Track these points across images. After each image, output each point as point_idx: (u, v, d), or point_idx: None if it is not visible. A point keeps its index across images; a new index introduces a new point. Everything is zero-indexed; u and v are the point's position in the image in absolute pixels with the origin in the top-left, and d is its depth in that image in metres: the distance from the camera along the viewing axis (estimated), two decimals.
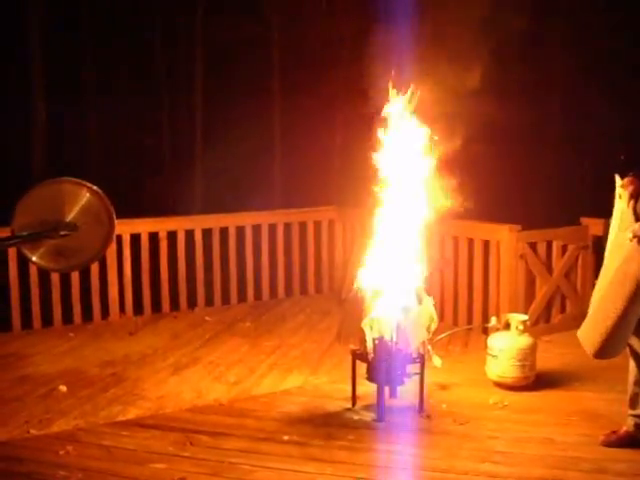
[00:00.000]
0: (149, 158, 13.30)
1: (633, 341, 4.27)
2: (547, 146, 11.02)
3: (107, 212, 3.96)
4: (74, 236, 3.76)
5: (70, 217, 3.76)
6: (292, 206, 8.87)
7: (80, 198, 3.85)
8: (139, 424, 4.89)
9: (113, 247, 7.37)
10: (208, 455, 4.43)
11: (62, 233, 3.72)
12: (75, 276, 7.22)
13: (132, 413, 5.09)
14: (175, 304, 7.93)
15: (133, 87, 13.75)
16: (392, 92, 5.09)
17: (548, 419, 4.98)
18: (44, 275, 6.99)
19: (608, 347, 4.16)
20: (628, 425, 4.49)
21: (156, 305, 7.81)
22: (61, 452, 4.43)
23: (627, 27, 11.19)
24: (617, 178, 4.31)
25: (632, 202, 4.20)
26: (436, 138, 5.09)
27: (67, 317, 7.35)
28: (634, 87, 10.27)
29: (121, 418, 5.00)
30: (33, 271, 6.89)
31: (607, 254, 4.43)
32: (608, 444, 4.49)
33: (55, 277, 7.12)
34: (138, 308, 7.73)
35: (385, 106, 5.14)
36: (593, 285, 4.51)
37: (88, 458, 4.38)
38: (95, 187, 3.93)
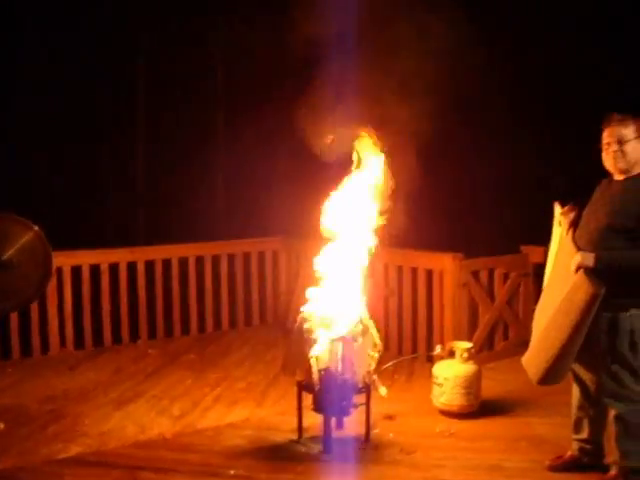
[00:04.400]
0: (91, 189, 13.09)
1: (575, 366, 4.33)
2: (486, 175, 11.19)
3: (45, 253, 3.85)
4: (8, 276, 3.64)
5: (6, 256, 3.64)
6: (236, 237, 8.82)
7: (19, 237, 3.74)
8: (81, 461, 4.77)
9: (54, 280, 7.24)
10: None
11: None
12: None
13: (73, 450, 4.96)
14: (117, 337, 7.80)
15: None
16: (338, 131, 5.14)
17: (495, 446, 5.01)
18: None
19: (552, 374, 4.23)
20: (573, 449, 4.54)
21: (98, 338, 7.67)
22: None
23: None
24: (557, 206, 4.42)
25: (571, 230, 4.30)
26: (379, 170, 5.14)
27: (5, 352, 7.16)
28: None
29: (62, 456, 4.87)
30: None
31: (546, 280, 4.51)
32: (554, 469, 4.54)
33: None
34: (79, 342, 7.58)
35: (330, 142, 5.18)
36: (533, 312, 4.57)
37: None
38: (36, 227, 3.83)
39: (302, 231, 7.08)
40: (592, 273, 4.01)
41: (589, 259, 4.04)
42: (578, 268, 4.06)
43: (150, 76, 13.03)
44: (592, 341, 4.10)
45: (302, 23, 5.69)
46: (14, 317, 7.11)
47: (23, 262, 3.75)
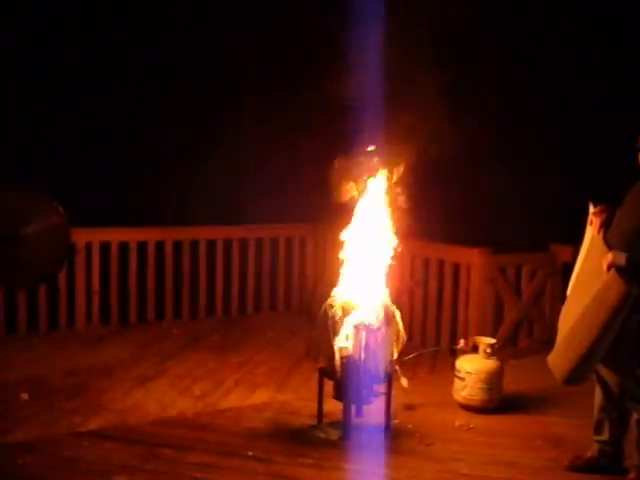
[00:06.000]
0: (122, 169, 13.15)
1: (600, 368, 4.29)
2: (521, 170, 11.11)
3: (65, 236, 3.86)
4: (23, 250, 3.65)
5: (25, 232, 3.64)
6: (264, 222, 8.83)
7: (43, 216, 3.74)
8: (101, 435, 4.82)
9: (82, 255, 7.34)
10: (170, 469, 4.37)
11: (11, 248, 3.61)
12: None
13: (94, 424, 5.02)
14: (142, 316, 7.86)
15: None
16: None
17: (513, 443, 4.99)
18: None
19: (578, 374, 4.20)
20: (592, 450, 4.51)
21: (123, 316, 7.73)
22: (20, 462, 4.35)
23: None
24: (591, 205, 4.37)
25: (603, 230, 4.26)
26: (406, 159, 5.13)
27: (32, 325, 7.25)
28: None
29: (83, 429, 4.93)
30: None
31: (574, 279, 4.47)
32: (573, 469, 4.52)
33: None
34: (105, 318, 7.65)
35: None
36: (560, 311, 4.53)
37: (48, 468, 4.31)
38: (61, 209, 3.83)
39: (330, 219, 7.06)
40: (624, 273, 3.98)
41: (621, 258, 4.00)
42: (609, 267, 4.03)
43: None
44: (619, 343, 4.06)
45: None
46: (42, 291, 7.19)
47: (41, 241, 3.76)
